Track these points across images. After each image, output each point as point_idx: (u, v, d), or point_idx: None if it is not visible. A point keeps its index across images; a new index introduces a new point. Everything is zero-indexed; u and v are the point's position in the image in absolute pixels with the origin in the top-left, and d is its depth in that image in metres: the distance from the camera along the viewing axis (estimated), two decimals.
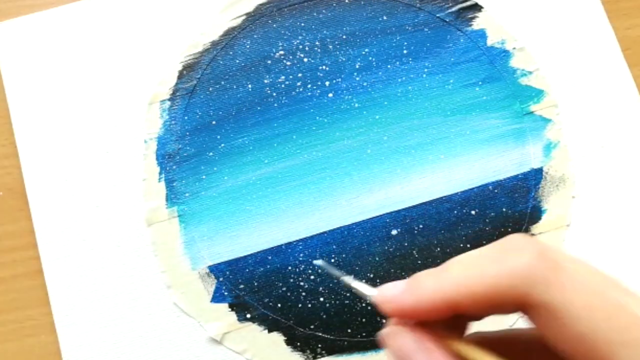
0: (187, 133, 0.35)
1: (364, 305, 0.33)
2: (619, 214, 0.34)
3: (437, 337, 0.22)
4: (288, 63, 0.36)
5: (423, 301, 0.22)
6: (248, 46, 0.36)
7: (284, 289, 0.33)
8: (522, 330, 0.24)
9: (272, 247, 0.34)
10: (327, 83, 0.36)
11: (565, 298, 0.19)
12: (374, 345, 0.33)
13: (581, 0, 0.37)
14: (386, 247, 0.34)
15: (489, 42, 0.36)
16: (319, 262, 0.32)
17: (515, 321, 0.33)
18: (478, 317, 0.22)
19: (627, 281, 0.34)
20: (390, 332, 0.22)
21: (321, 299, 0.33)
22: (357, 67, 0.36)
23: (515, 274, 0.20)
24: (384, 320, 0.33)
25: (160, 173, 0.35)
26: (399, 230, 0.34)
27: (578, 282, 0.19)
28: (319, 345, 0.33)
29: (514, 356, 0.22)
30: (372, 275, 0.33)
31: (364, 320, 0.33)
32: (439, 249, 0.34)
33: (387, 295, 0.23)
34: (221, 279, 0.33)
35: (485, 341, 0.23)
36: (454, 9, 0.36)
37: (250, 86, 0.35)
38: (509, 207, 0.34)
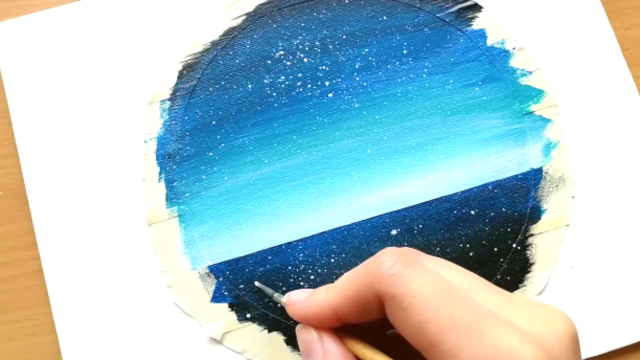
0: (187, 133, 0.35)
1: None
2: (619, 214, 0.34)
3: (339, 336, 0.26)
4: (288, 63, 0.36)
5: (312, 307, 0.26)
6: (248, 46, 0.36)
7: (284, 289, 0.33)
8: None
9: (272, 247, 0.34)
10: (327, 83, 0.36)
11: (409, 290, 0.22)
12: None
13: (581, 0, 0.37)
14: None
15: (489, 42, 0.36)
16: (257, 283, 0.33)
17: None
18: (359, 321, 0.25)
19: (627, 281, 0.34)
20: (299, 327, 0.27)
21: None
22: (357, 67, 0.36)
23: (370, 273, 0.23)
24: None
25: (160, 173, 0.35)
26: (398, 230, 0.34)
27: (423, 276, 0.22)
28: None
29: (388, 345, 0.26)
30: None
31: None
32: (439, 249, 0.34)
33: (290, 299, 0.27)
34: (221, 279, 0.33)
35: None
36: (454, 9, 0.37)
37: (250, 86, 0.35)
38: (508, 207, 0.34)
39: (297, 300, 0.27)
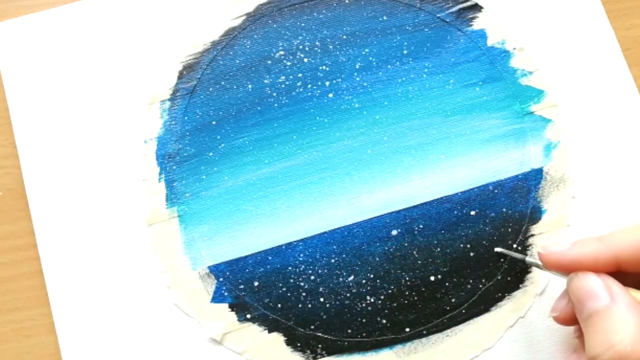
0: (187, 133, 0.35)
1: (364, 305, 0.33)
2: (619, 214, 0.34)
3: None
4: (288, 63, 0.36)
5: (587, 252, 0.26)
6: (248, 46, 0.36)
7: (284, 289, 0.33)
8: None
9: (272, 248, 0.34)
10: (327, 83, 0.35)
11: None
12: (374, 346, 0.33)
13: (581, 0, 0.37)
14: (386, 247, 0.34)
15: (489, 42, 0.36)
16: (498, 249, 0.33)
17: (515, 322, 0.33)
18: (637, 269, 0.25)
19: (626, 282, 0.34)
20: (572, 276, 0.26)
21: (321, 299, 0.33)
22: (357, 67, 0.36)
23: None
24: (384, 321, 0.33)
25: (160, 173, 0.35)
26: (399, 230, 0.34)
27: None
28: (319, 346, 0.33)
29: None
30: (372, 275, 0.33)
31: (364, 320, 0.33)
32: (439, 249, 0.34)
33: (551, 249, 0.27)
34: (221, 279, 0.33)
35: None
36: (454, 9, 0.36)
37: (250, 86, 0.35)
38: (509, 208, 0.34)
39: (561, 249, 0.27)
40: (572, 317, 0.28)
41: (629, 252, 0.25)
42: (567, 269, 0.27)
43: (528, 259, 0.31)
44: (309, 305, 0.33)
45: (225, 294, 0.33)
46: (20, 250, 0.34)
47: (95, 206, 0.34)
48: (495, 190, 0.34)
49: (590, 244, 0.26)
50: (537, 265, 0.30)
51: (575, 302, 0.26)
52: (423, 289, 0.33)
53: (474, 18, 0.36)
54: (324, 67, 0.36)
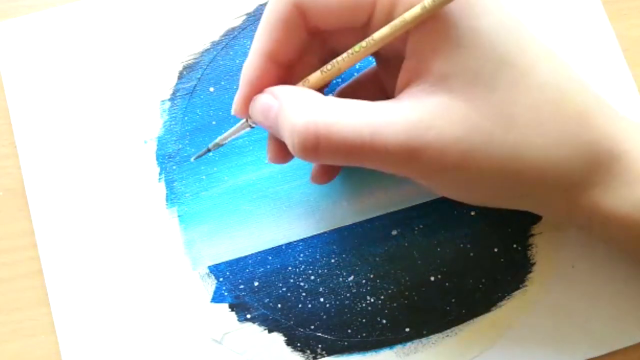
0: (187, 133, 0.35)
1: (364, 305, 0.33)
2: None
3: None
4: None
5: (246, 72, 0.28)
6: (248, 46, 0.36)
7: (284, 289, 0.33)
8: (361, 76, 0.32)
9: (272, 247, 0.34)
10: None
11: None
12: (374, 346, 0.33)
13: (581, 0, 0.37)
14: (386, 247, 0.34)
15: None
16: None
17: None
18: (334, 33, 0.27)
19: (627, 281, 0.34)
20: (251, 104, 0.28)
21: (321, 299, 0.33)
22: (357, 66, 0.36)
23: None
24: (384, 321, 0.33)
25: (160, 173, 0.35)
26: (399, 230, 0.34)
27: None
28: (319, 346, 0.33)
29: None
30: (372, 275, 0.33)
31: (364, 320, 0.33)
32: (439, 249, 0.34)
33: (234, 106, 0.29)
34: (221, 279, 0.33)
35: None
36: None
37: None
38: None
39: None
40: (276, 151, 0.30)
41: (267, 39, 0.27)
42: (248, 96, 0.28)
43: (210, 145, 0.32)
44: (309, 305, 0.33)
45: (225, 294, 0.33)
46: (20, 250, 0.34)
47: (95, 206, 0.34)
48: None
49: (244, 65, 0.28)
50: (221, 142, 0.31)
51: (267, 128, 0.28)
52: (423, 289, 0.33)
53: None
54: None
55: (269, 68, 0.27)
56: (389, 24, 0.25)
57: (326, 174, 0.32)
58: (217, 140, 0.31)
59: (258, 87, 0.28)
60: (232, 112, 0.29)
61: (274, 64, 0.27)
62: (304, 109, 0.25)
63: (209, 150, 0.32)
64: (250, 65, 0.28)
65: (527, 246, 0.34)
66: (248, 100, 0.28)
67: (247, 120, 0.29)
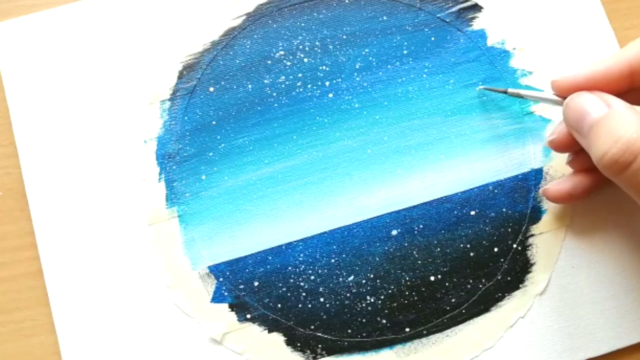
0: (187, 133, 0.35)
1: (364, 305, 0.33)
2: (619, 214, 0.34)
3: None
4: (288, 63, 0.36)
5: (599, 68, 0.26)
6: (248, 46, 0.36)
7: (284, 289, 0.33)
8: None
9: (272, 248, 0.34)
10: (327, 83, 0.35)
11: None
12: (374, 346, 0.33)
13: (581, 0, 0.37)
14: (386, 247, 0.34)
15: (489, 42, 0.36)
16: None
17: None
18: None
19: (627, 281, 0.34)
20: (570, 97, 0.27)
21: (321, 299, 0.33)
22: (357, 67, 0.36)
23: None
24: (384, 321, 0.33)
25: (160, 173, 0.35)
26: (399, 230, 0.34)
27: None
28: (319, 346, 0.33)
29: None
30: (372, 276, 0.33)
31: (364, 320, 0.33)
32: (439, 249, 0.34)
33: (563, 75, 0.28)
34: (221, 279, 0.33)
35: None
36: (454, 9, 0.36)
37: (250, 86, 0.35)
38: (509, 208, 0.34)
39: (573, 74, 0.28)
40: (567, 141, 0.29)
41: None
42: (581, 89, 0.27)
43: (510, 90, 0.32)
44: (309, 305, 0.33)
45: (225, 294, 0.33)
46: (20, 250, 0.34)
47: (95, 206, 0.34)
48: (495, 190, 0.34)
49: (603, 61, 0.27)
50: (522, 96, 0.31)
51: (575, 125, 0.27)
52: (423, 289, 0.33)
53: (473, 18, 0.36)
54: (324, 67, 0.36)
55: (621, 77, 0.27)
56: None
57: (564, 197, 0.31)
58: (521, 92, 0.31)
59: (597, 83, 0.27)
60: (553, 82, 0.28)
61: (627, 78, 0.27)
62: (636, 126, 0.24)
63: (505, 92, 0.32)
64: (608, 62, 0.27)
65: (527, 246, 0.34)
66: (576, 87, 0.27)
67: (557, 97, 0.29)
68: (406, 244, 0.34)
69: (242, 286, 0.33)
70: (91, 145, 0.35)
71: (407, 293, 0.33)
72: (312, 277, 0.33)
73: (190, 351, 0.33)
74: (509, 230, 0.34)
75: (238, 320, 0.33)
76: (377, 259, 0.34)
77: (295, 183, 0.34)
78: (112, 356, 0.32)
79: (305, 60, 0.36)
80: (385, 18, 0.36)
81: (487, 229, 0.34)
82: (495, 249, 0.34)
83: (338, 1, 0.37)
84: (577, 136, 0.27)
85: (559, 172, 0.35)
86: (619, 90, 0.27)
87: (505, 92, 0.33)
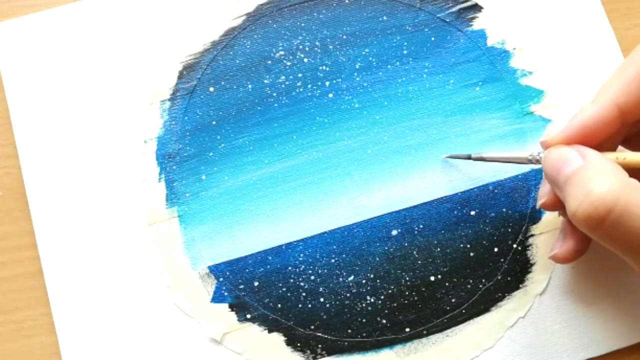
0: (187, 133, 0.35)
1: (364, 305, 0.33)
2: None
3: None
4: (288, 63, 0.36)
5: (587, 116, 0.26)
6: (248, 46, 0.36)
7: (284, 289, 0.33)
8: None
9: (272, 248, 0.34)
10: (327, 83, 0.36)
11: None
12: (374, 346, 0.33)
13: (581, 0, 0.37)
14: (386, 247, 0.34)
15: (489, 42, 0.36)
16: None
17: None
18: None
19: (627, 281, 0.34)
20: (548, 151, 0.26)
21: (321, 299, 0.33)
22: (357, 67, 0.36)
23: None
24: (384, 321, 0.33)
25: (160, 173, 0.35)
26: (399, 230, 0.34)
27: None
28: (319, 346, 0.33)
29: None
30: (372, 276, 0.33)
31: (364, 320, 0.33)
32: (439, 249, 0.34)
33: (552, 131, 0.27)
34: (221, 279, 0.33)
35: None
36: (454, 9, 0.36)
37: (250, 86, 0.35)
38: (509, 208, 0.34)
39: (562, 127, 0.26)
40: (557, 199, 0.28)
41: (627, 92, 0.25)
42: (575, 143, 0.26)
43: (474, 155, 0.32)
44: (309, 305, 0.33)
45: (225, 294, 0.33)
46: (20, 250, 0.34)
47: (95, 206, 0.34)
48: (495, 190, 0.34)
49: (588, 108, 0.26)
50: (488, 160, 0.31)
51: (552, 179, 0.26)
52: (423, 289, 0.33)
53: (474, 18, 0.36)
54: (324, 67, 0.36)
55: (611, 120, 0.26)
56: None
57: (572, 255, 0.30)
58: (485, 155, 0.31)
59: (587, 135, 0.26)
60: (542, 140, 0.27)
61: (617, 119, 0.26)
62: (608, 179, 0.23)
63: (468, 157, 0.32)
64: (594, 109, 0.26)
65: (527, 246, 0.34)
66: (569, 139, 0.26)
67: (534, 155, 0.29)
68: (406, 244, 0.34)
69: (242, 286, 0.33)
70: (91, 145, 0.35)
71: (407, 293, 0.33)
72: (312, 277, 0.33)
73: (190, 351, 0.33)
74: (509, 230, 0.34)
75: (238, 320, 0.33)
76: (377, 259, 0.34)
77: (295, 183, 0.34)
78: (112, 356, 0.32)
79: (305, 60, 0.36)
80: (385, 18, 0.36)
81: (487, 229, 0.34)
82: (496, 249, 0.34)
83: (338, 1, 0.37)
84: (557, 190, 0.26)
85: None
86: (614, 132, 0.27)
87: (469, 158, 0.32)
